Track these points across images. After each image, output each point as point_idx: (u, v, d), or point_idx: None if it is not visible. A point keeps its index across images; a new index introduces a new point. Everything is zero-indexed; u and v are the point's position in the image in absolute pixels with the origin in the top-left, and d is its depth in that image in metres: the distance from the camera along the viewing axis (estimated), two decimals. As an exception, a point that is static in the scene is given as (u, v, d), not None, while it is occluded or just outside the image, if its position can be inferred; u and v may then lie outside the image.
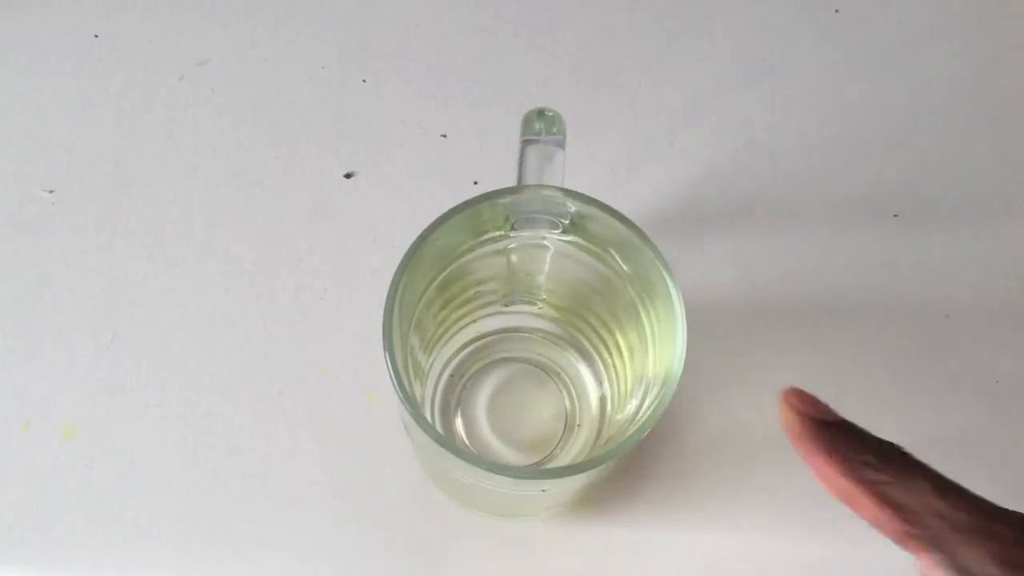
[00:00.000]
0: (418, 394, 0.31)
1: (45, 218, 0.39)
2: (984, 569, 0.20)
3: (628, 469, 0.36)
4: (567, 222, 0.29)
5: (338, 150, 0.40)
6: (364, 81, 0.41)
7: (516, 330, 0.36)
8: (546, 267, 0.32)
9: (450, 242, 0.29)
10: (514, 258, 0.31)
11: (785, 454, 0.37)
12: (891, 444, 0.23)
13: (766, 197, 0.40)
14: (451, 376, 0.36)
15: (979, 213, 0.40)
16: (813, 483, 0.37)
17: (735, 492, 0.36)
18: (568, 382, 0.36)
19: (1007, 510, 0.21)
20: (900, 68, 0.42)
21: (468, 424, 0.36)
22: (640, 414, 0.28)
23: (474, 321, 0.35)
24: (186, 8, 0.42)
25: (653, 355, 0.29)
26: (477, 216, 0.28)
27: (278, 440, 0.36)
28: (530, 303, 0.35)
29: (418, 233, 0.27)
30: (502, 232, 0.30)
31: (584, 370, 0.36)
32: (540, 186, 0.28)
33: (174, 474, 0.36)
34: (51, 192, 0.39)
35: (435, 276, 0.30)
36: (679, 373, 0.27)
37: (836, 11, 0.43)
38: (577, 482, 0.29)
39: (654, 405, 0.27)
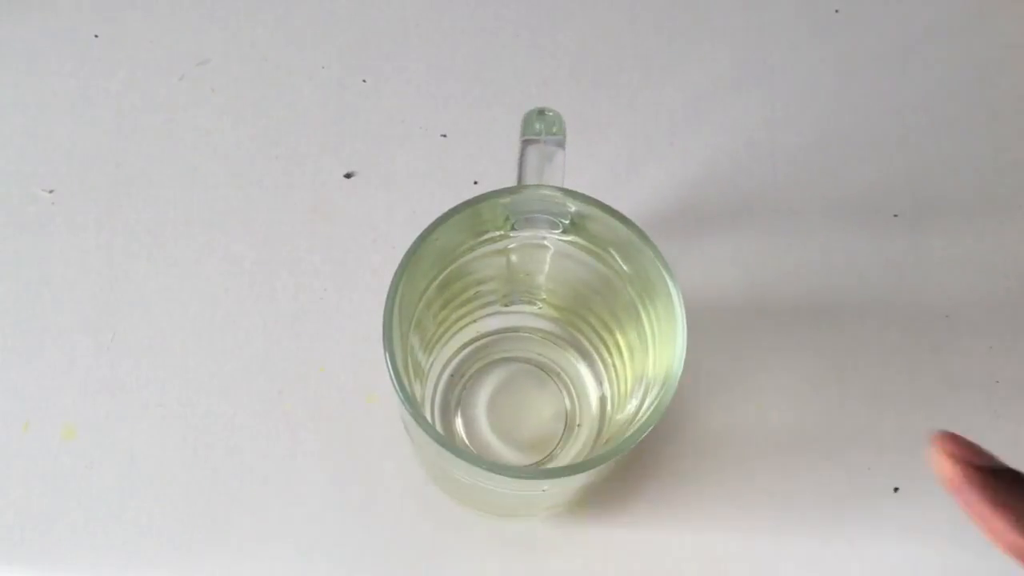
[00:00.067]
0: (418, 394, 0.31)
1: (45, 218, 0.39)
2: None
3: (628, 469, 0.36)
4: (567, 222, 0.29)
5: (338, 150, 0.40)
6: (364, 81, 0.41)
7: (516, 330, 0.36)
8: (546, 267, 0.32)
9: (450, 242, 0.29)
10: (514, 258, 0.31)
11: (785, 454, 0.37)
12: None
13: (766, 197, 0.40)
14: (451, 376, 0.36)
15: (979, 213, 0.40)
16: (813, 483, 0.37)
17: (735, 492, 0.36)
18: (568, 382, 0.36)
19: None
20: (900, 68, 0.42)
21: (468, 424, 0.36)
22: (640, 414, 0.28)
23: (474, 321, 0.35)
24: (186, 8, 0.42)
25: (653, 355, 0.29)
26: (477, 216, 0.28)
27: (278, 440, 0.36)
28: (530, 303, 0.35)
29: (418, 233, 0.27)
30: (502, 232, 0.30)
31: (584, 370, 0.36)
32: (540, 186, 0.28)
33: (174, 474, 0.36)
34: (51, 192, 0.39)
35: (435, 276, 0.30)
36: (679, 373, 0.27)
37: (836, 11, 0.43)
38: (577, 482, 0.29)
39: (654, 405, 0.27)
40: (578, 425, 0.36)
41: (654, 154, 0.40)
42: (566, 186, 0.28)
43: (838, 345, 0.38)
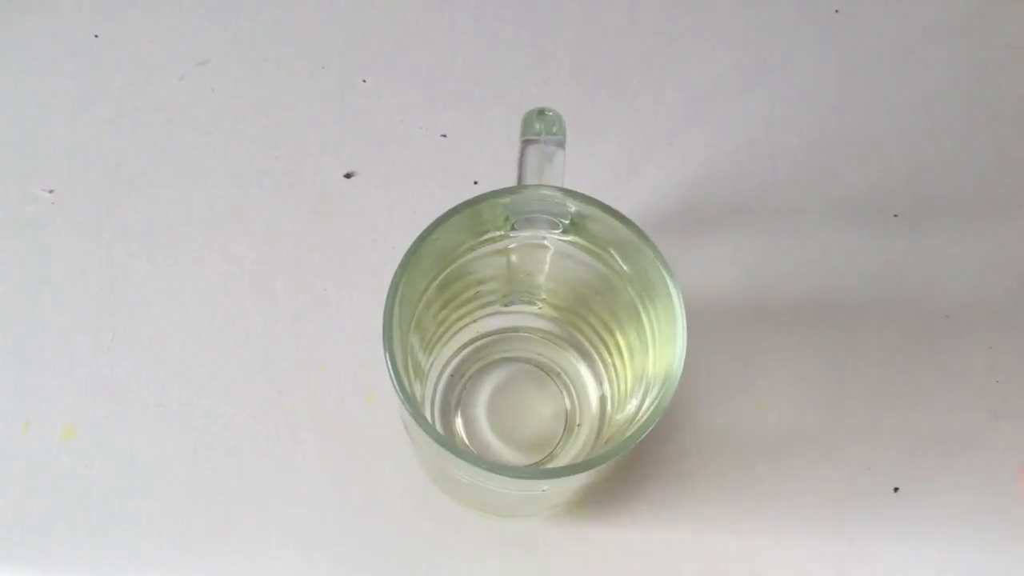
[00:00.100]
0: (418, 394, 0.31)
1: (45, 218, 0.39)
2: None
3: (628, 469, 0.36)
4: (567, 222, 0.29)
5: (338, 150, 0.40)
6: (364, 81, 0.41)
7: (516, 330, 0.36)
8: (546, 267, 0.32)
9: (450, 242, 0.29)
10: (514, 258, 0.31)
11: (785, 454, 0.37)
12: None
13: (766, 197, 0.40)
14: (451, 376, 0.36)
15: (979, 213, 0.40)
16: (813, 483, 0.37)
17: (735, 492, 0.36)
18: (568, 382, 0.36)
19: None
20: (900, 68, 0.42)
21: (468, 424, 0.36)
22: (640, 414, 0.28)
23: (474, 321, 0.35)
24: (186, 8, 0.42)
25: (653, 355, 0.29)
26: (477, 216, 0.28)
27: (278, 440, 0.36)
28: (530, 303, 0.35)
29: (418, 233, 0.27)
30: (502, 232, 0.30)
31: (584, 370, 0.36)
32: (540, 186, 0.28)
33: (174, 474, 0.36)
34: (51, 192, 0.39)
35: (435, 276, 0.30)
36: (679, 373, 0.27)
37: (836, 11, 0.43)
38: (577, 482, 0.29)
39: (654, 405, 0.27)
40: (578, 425, 0.36)
41: (654, 154, 0.40)
42: (566, 186, 0.28)
43: (838, 345, 0.38)
